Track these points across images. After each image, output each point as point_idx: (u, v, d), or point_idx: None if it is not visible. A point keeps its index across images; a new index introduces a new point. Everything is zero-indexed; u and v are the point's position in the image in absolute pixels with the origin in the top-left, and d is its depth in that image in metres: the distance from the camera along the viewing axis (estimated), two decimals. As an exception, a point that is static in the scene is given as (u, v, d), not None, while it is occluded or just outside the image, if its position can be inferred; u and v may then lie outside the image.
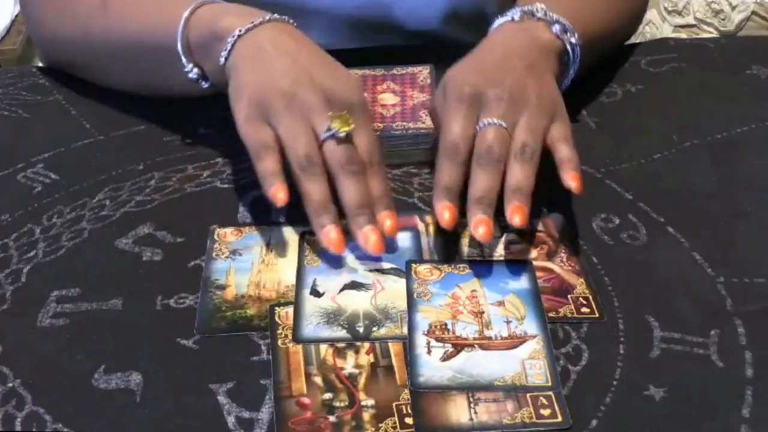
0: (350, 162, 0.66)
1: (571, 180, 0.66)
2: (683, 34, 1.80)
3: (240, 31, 0.71)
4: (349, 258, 0.67)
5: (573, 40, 0.76)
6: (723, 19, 1.76)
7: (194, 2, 0.75)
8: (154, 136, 0.82)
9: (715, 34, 1.77)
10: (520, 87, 0.70)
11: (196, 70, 0.75)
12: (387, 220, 0.66)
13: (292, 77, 0.67)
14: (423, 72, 0.86)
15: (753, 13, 1.77)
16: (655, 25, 1.81)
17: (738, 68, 0.92)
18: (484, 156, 0.66)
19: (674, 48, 0.96)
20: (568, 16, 0.77)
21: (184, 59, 0.75)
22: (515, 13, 0.76)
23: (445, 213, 0.65)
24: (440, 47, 0.97)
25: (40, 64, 0.96)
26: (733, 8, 1.75)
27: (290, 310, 0.63)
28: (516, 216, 0.64)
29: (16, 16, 1.99)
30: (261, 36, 0.71)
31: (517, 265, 0.66)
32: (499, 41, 0.76)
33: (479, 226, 0.64)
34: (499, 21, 0.78)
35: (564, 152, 0.68)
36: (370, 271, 0.66)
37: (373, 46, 0.97)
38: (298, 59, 0.69)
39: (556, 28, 0.75)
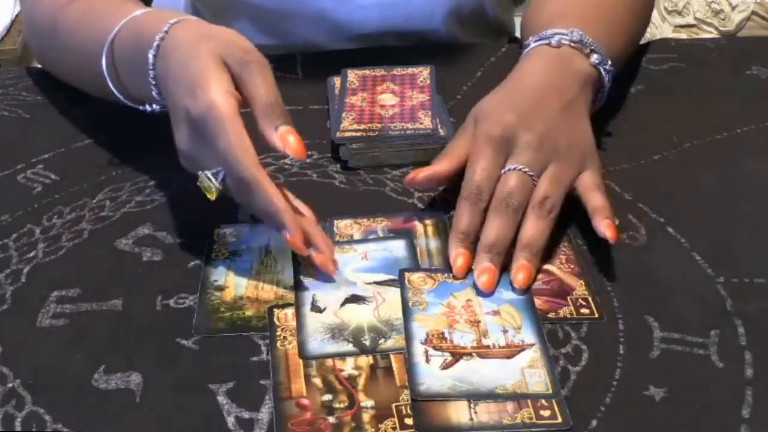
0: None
1: (605, 229, 0.66)
2: (683, 34, 1.80)
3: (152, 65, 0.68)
4: (347, 271, 0.66)
5: (608, 68, 0.75)
6: (723, 19, 1.76)
7: (111, 34, 0.73)
8: (155, 137, 0.82)
9: (715, 34, 1.77)
10: (553, 133, 0.69)
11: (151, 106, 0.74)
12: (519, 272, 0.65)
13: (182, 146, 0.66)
14: (423, 72, 0.86)
15: (753, 13, 1.77)
16: (655, 25, 1.81)
17: (738, 68, 0.92)
18: (502, 203, 0.66)
19: (674, 48, 0.96)
20: (601, 37, 0.76)
21: (121, 98, 0.75)
22: (553, 38, 0.75)
23: (459, 260, 0.65)
24: (440, 47, 0.97)
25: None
26: (733, 8, 1.75)
27: (289, 311, 0.63)
28: (520, 273, 0.64)
29: (16, 15, 1.99)
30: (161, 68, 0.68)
31: (510, 273, 0.65)
32: (538, 71, 0.73)
33: (483, 274, 0.64)
34: (535, 43, 0.76)
35: (596, 201, 0.67)
36: (369, 283, 0.66)
37: (374, 47, 0.97)
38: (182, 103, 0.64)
39: (594, 58, 0.74)
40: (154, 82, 0.68)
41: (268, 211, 0.62)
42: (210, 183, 0.63)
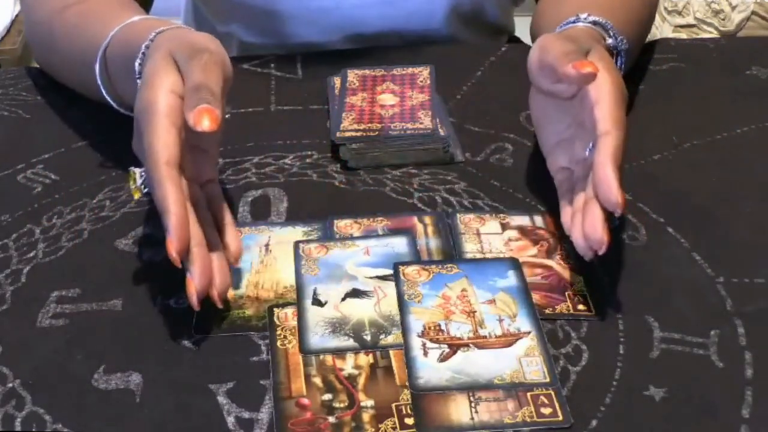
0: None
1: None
2: (683, 34, 1.80)
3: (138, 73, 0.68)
4: (348, 265, 0.67)
5: (622, 46, 0.75)
6: (723, 19, 1.76)
7: (105, 40, 0.73)
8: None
9: (715, 34, 1.77)
10: None
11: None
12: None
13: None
14: (423, 72, 0.86)
15: (753, 13, 1.77)
16: (655, 25, 1.81)
17: (738, 68, 0.92)
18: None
19: (674, 48, 0.96)
20: (618, 25, 0.75)
21: (114, 104, 0.75)
22: (576, 23, 0.73)
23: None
24: (440, 47, 0.97)
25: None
26: (733, 8, 1.76)
27: (289, 311, 0.63)
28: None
29: (16, 15, 1.99)
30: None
31: (503, 262, 0.66)
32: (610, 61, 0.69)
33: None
34: (561, 28, 0.74)
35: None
36: (370, 278, 0.66)
37: (373, 46, 0.97)
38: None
39: (610, 41, 0.73)
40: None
41: (160, 208, 0.59)
42: (135, 181, 0.63)
